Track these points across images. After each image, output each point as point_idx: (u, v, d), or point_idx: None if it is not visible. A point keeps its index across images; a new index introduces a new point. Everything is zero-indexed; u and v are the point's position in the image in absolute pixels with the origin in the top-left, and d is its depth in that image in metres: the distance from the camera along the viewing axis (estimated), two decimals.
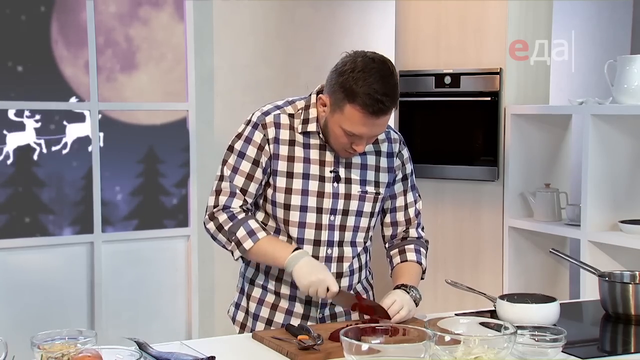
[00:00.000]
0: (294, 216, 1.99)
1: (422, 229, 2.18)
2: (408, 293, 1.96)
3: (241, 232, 1.96)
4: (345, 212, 2.01)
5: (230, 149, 2.02)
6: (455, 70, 3.59)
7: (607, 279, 2.15)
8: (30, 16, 3.70)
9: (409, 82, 3.73)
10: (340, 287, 1.98)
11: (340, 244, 2.02)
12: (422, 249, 2.12)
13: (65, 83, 3.80)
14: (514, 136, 3.46)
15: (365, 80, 1.84)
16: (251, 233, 1.95)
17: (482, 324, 1.73)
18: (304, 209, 1.99)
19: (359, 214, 2.03)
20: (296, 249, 1.94)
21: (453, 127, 3.65)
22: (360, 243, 2.07)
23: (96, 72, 3.81)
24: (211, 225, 2.00)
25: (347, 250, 2.03)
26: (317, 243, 2.00)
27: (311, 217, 1.99)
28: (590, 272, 2.25)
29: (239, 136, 2.01)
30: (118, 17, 3.91)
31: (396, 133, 2.13)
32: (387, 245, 2.17)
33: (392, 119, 3.86)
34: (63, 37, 3.79)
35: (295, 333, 1.83)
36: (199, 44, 4.00)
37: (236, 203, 1.99)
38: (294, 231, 1.99)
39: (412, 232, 2.15)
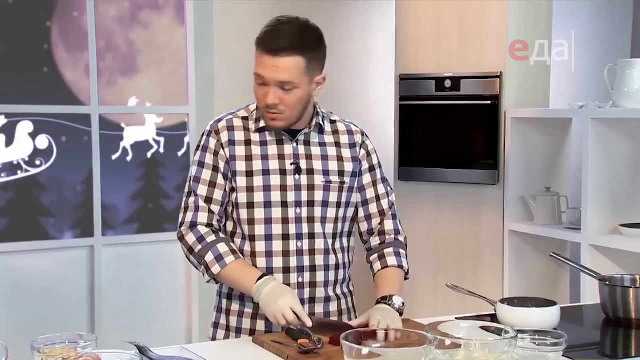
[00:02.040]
0: (259, 213, 1.98)
1: (399, 222, 2.14)
2: (389, 305, 1.93)
3: (209, 257, 1.96)
4: (311, 204, 2.00)
5: (193, 162, 2.06)
6: (455, 74, 3.59)
7: (607, 282, 2.15)
8: (30, 19, 3.71)
9: (409, 86, 3.73)
10: (316, 281, 1.99)
11: (312, 235, 2.00)
12: (401, 250, 2.08)
13: (65, 87, 3.81)
14: (514, 140, 3.46)
15: (266, 25, 1.95)
16: (219, 258, 1.95)
17: (482, 328, 1.73)
18: (267, 204, 1.98)
19: (325, 204, 2.01)
20: (261, 276, 1.92)
21: (453, 130, 3.65)
22: (330, 235, 2.03)
23: (97, 75, 3.81)
24: (183, 246, 2.02)
25: (319, 242, 2.01)
26: (285, 237, 1.99)
27: (276, 212, 1.98)
28: (591, 276, 2.25)
29: (197, 148, 2.06)
30: (118, 21, 3.92)
31: (356, 126, 2.13)
32: (365, 247, 2.13)
33: (392, 123, 3.88)
34: (63, 40, 3.79)
35: (296, 337, 1.82)
36: (199, 47, 4.01)
37: (202, 217, 1.99)
38: (260, 229, 1.98)
39: (388, 224, 2.10)
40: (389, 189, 2.15)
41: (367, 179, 2.10)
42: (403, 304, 1.97)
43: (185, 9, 4.02)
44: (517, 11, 3.48)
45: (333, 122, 2.10)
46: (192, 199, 2.02)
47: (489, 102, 3.50)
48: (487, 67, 3.51)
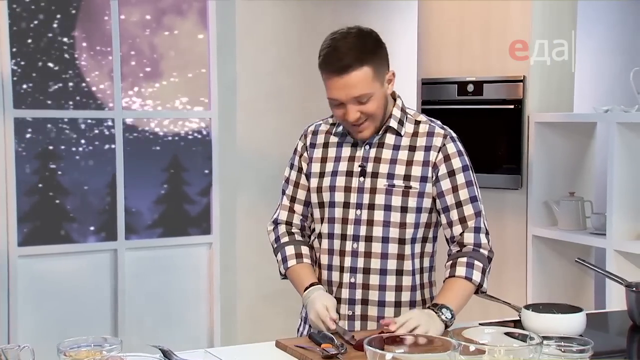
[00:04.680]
0: (324, 213, 2.06)
1: (486, 235, 2.02)
2: (436, 314, 1.89)
3: (279, 257, 2.13)
4: (372, 207, 2.00)
5: (288, 164, 2.19)
6: (478, 78, 3.57)
7: (634, 289, 2.12)
8: (55, 24, 3.75)
9: (432, 90, 3.72)
10: (369, 283, 2.00)
11: (369, 239, 2.00)
12: (476, 262, 1.97)
13: (89, 91, 3.84)
14: (537, 144, 3.43)
15: (323, 43, 1.95)
16: (284, 260, 2.10)
17: (507, 334, 1.71)
18: (332, 204, 2.04)
19: (388, 208, 1.99)
20: (310, 284, 2.02)
21: (476, 135, 3.63)
22: (396, 239, 1.99)
23: (120, 80, 3.85)
24: (269, 241, 2.19)
25: (376, 246, 2.00)
26: (343, 237, 2.03)
27: (338, 212, 2.03)
28: (617, 282, 2.22)
29: (293, 151, 2.18)
30: (142, 26, 3.95)
31: (442, 128, 2.06)
32: (448, 254, 2.08)
33: None
34: (87, 45, 3.83)
35: (319, 342, 1.82)
36: (221, 52, 4.03)
37: (283, 215, 2.15)
38: (325, 227, 2.05)
39: (468, 237, 2.00)
40: (475, 194, 2.03)
41: (446, 184, 2.00)
42: (453, 316, 1.90)
43: (208, 14, 4.04)
44: (541, 16, 3.45)
45: (417, 122, 2.06)
46: (281, 198, 2.17)
47: (512, 107, 3.48)
48: (510, 71, 3.49)
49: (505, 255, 3.56)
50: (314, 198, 2.08)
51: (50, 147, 3.78)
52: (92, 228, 3.90)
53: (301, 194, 2.12)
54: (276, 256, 2.14)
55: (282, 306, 3.50)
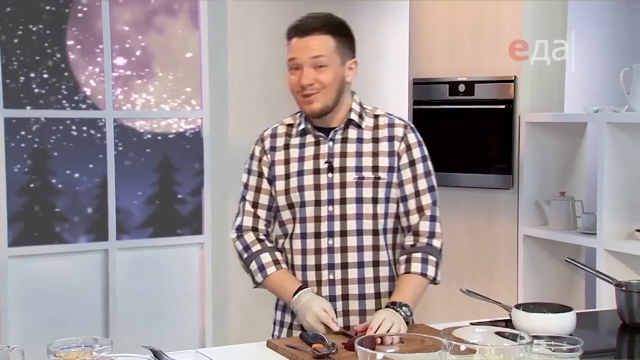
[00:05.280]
0: (295, 213, 2.04)
1: (439, 224, 2.07)
2: (397, 312, 1.92)
3: (253, 266, 2.07)
4: (343, 201, 2.02)
5: (244, 170, 2.15)
6: (469, 78, 3.58)
7: (624, 288, 2.13)
8: (46, 23, 3.74)
9: (423, 90, 3.73)
10: (347, 278, 2.01)
11: (344, 233, 2.02)
12: (430, 257, 2.04)
13: (80, 91, 3.83)
14: (528, 144, 3.44)
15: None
16: (261, 268, 2.06)
17: (497, 333, 1.72)
18: (302, 204, 2.03)
19: (359, 200, 2.02)
20: (299, 288, 1.99)
21: (467, 135, 3.64)
22: (370, 231, 2.02)
23: (111, 80, 3.84)
24: (236, 251, 2.13)
25: (352, 240, 2.02)
26: (317, 235, 2.03)
27: (310, 211, 2.03)
28: (607, 282, 2.23)
29: (249, 156, 2.14)
30: (133, 26, 3.94)
31: (402, 120, 2.10)
32: (399, 245, 2.10)
33: None
34: (78, 45, 3.81)
35: (310, 342, 1.82)
36: (213, 52, 4.02)
37: (247, 221, 2.10)
38: (296, 227, 2.04)
39: (424, 225, 2.04)
40: (432, 184, 2.07)
41: (406, 174, 2.05)
42: (411, 314, 1.97)
43: (199, 14, 4.03)
44: (532, 17, 3.46)
45: (376, 116, 2.09)
46: (241, 204, 2.13)
47: (503, 107, 3.49)
48: (501, 71, 3.50)
49: (496, 255, 3.57)
50: (282, 201, 2.05)
51: (41, 147, 3.77)
52: (83, 228, 3.88)
53: (263, 199, 2.09)
54: (249, 265, 2.07)
55: (273, 307, 3.49)
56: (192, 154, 4.09)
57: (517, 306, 2.01)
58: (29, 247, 3.73)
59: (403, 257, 2.06)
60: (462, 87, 3.59)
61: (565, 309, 1.98)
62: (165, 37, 4.01)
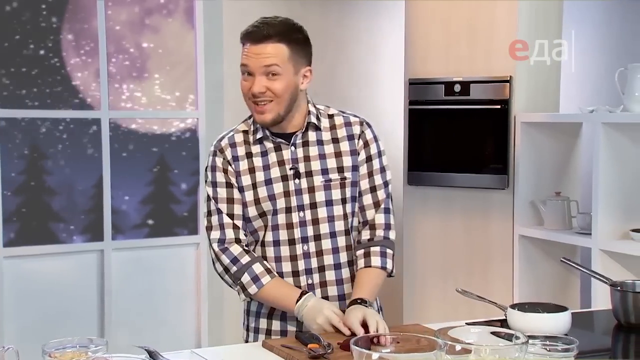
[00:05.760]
0: (267, 221, 2.03)
1: (393, 216, 2.10)
2: (368, 308, 1.93)
3: (246, 278, 2.01)
4: (314, 205, 2.02)
5: (207, 183, 2.09)
6: (464, 78, 3.58)
7: (619, 288, 2.13)
8: (41, 23, 3.73)
9: (419, 90, 3.73)
10: (326, 280, 2.03)
11: (317, 237, 2.02)
12: (387, 250, 2.06)
13: (75, 91, 3.82)
14: (523, 144, 3.45)
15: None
16: (255, 279, 2.01)
17: (493, 333, 1.72)
18: (274, 212, 2.02)
19: (329, 203, 2.03)
20: (302, 293, 1.97)
21: (463, 135, 3.64)
22: (342, 232, 2.04)
23: (107, 80, 3.83)
24: (218, 267, 2.06)
25: (326, 243, 2.03)
26: (291, 242, 2.03)
27: (282, 219, 2.02)
28: (602, 281, 2.23)
29: (206, 169, 2.10)
30: (129, 26, 3.93)
31: (356, 116, 2.11)
32: (355, 239, 2.10)
33: (401, 127, 3.87)
34: (73, 45, 3.81)
35: (305, 342, 1.82)
36: (209, 52, 4.02)
37: (229, 234, 2.04)
38: (269, 235, 2.03)
39: (379, 218, 2.07)
40: (387, 179, 2.11)
41: (363, 170, 2.08)
42: (380, 309, 2.03)
43: (195, 14, 4.03)
44: (527, 17, 3.47)
45: (331, 116, 2.10)
46: (214, 218, 2.06)
47: (499, 107, 3.50)
48: (496, 71, 3.51)
49: (491, 255, 3.57)
50: (252, 211, 2.02)
51: (37, 147, 3.76)
52: (78, 228, 3.88)
53: (238, 209, 2.04)
54: (240, 278, 2.01)
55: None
56: (188, 154, 4.09)
57: (513, 306, 2.01)
58: (24, 248, 3.72)
59: (361, 252, 2.07)
60: (457, 87, 3.60)
61: (561, 308, 1.98)
62: (160, 37, 4.01)
